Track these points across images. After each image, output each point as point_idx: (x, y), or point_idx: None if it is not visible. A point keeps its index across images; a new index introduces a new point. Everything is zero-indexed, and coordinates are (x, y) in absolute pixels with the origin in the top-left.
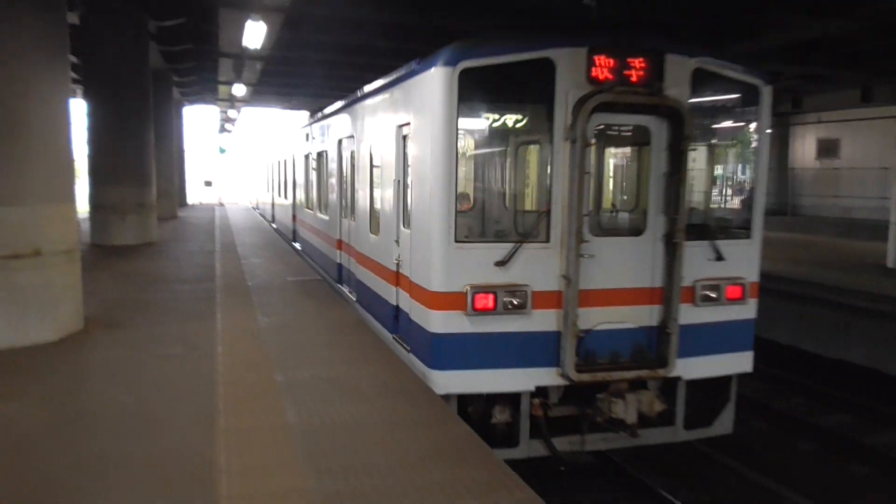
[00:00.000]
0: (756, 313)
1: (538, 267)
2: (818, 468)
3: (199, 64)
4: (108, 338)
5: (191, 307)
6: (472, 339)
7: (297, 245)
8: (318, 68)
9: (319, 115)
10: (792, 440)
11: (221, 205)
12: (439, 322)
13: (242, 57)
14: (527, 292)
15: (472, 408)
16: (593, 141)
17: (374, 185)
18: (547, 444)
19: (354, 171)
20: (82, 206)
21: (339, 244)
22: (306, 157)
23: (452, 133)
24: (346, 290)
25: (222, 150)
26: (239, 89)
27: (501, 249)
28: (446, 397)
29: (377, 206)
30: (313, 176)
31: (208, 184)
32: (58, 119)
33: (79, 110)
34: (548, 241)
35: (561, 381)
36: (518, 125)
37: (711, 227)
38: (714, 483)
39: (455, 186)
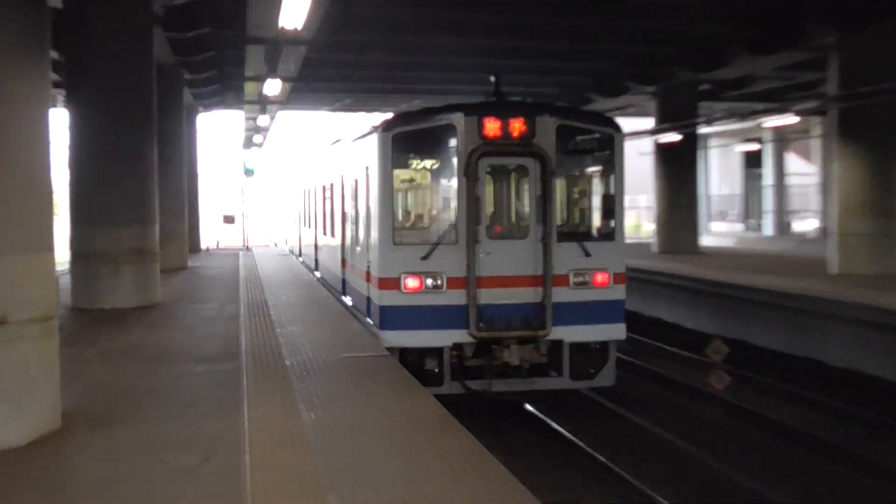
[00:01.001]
0: (624, 295)
1: (451, 260)
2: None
3: (220, 54)
4: (94, 441)
5: (207, 397)
6: (406, 309)
7: (349, 300)
8: (377, 54)
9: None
10: (666, 394)
11: (248, 249)
12: (385, 298)
13: (278, 42)
14: (443, 277)
15: (410, 358)
16: (485, 175)
17: (355, 211)
18: (462, 384)
19: (344, 201)
20: (61, 254)
21: (343, 262)
22: (355, 181)
23: (389, 174)
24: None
25: (249, 171)
26: (273, 86)
27: (425, 248)
28: (391, 349)
29: (358, 226)
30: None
31: (229, 220)
32: (34, 138)
33: (59, 123)
34: (456, 242)
35: (469, 339)
36: (435, 167)
37: (582, 233)
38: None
39: (392, 209)
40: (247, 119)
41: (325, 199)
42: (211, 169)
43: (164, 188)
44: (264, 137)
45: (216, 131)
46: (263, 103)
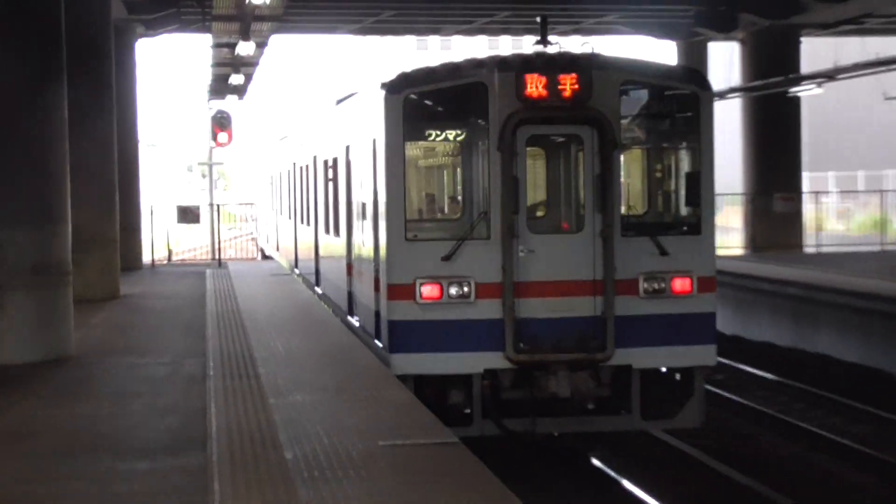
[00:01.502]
0: (715, 307)
1: (481, 261)
2: None
3: None
4: None
5: None
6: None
7: (356, 321)
8: None
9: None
10: None
11: (220, 264)
12: (395, 310)
13: None
14: (471, 283)
15: (429, 390)
16: (525, 149)
17: (360, 198)
18: (497, 424)
19: (350, 185)
20: None
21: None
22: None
23: (400, 148)
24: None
25: (219, 139)
26: None
27: (448, 245)
28: (403, 378)
29: (364, 218)
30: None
31: (189, 216)
32: None
33: None
34: (489, 238)
35: (505, 364)
36: (460, 139)
37: (656, 225)
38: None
39: (404, 195)
40: (217, 47)
41: (326, 182)
42: (159, 132)
43: (80, 163)
44: (248, 79)
45: (167, 69)
46: (245, 20)
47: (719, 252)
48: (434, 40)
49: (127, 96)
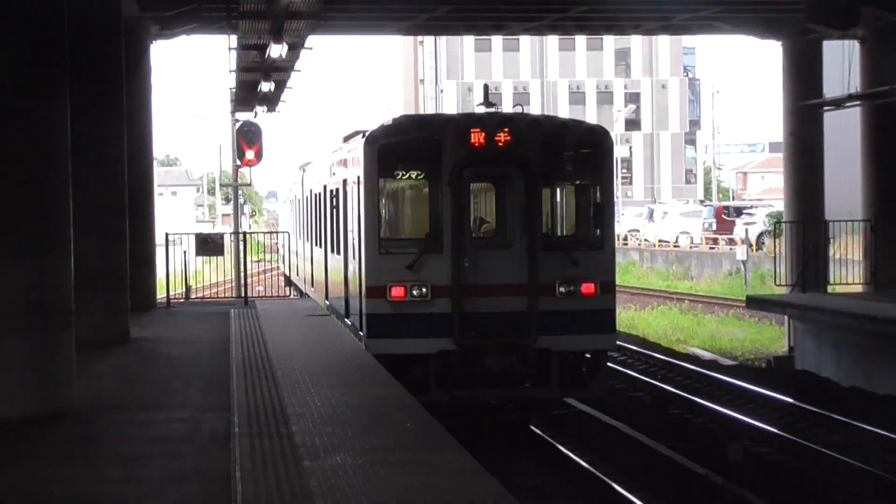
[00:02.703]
0: (614, 305)
1: (436, 269)
2: None
3: None
4: None
5: None
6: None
7: (350, 322)
8: None
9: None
10: None
11: (246, 301)
12: (370, 306)
13: None
14: (429, 286)
15: (396, 366)
16: (470, 185)
17: (347, 222)
18: (448, 393)
19: (345, 212)
20: None
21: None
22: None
23: (375, 184)
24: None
25: (246, 156)
26: None
27: (411, 257)
28: (378, 357)
29: (349, 237)
30: None
31: (211, 246)
32: None
33: None
34: (441, 252)
35: (453, 347)
36: (421, 178)
37: (569, 243)
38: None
39: (377, 219)
40: (244, 49)
41: (331, 209)
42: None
43: (85, 185)
44: (280, 87)
45: (185, 75)
46: (278, 18)
47: (836, 289)
48: (497, 40)
49: (140, 107)
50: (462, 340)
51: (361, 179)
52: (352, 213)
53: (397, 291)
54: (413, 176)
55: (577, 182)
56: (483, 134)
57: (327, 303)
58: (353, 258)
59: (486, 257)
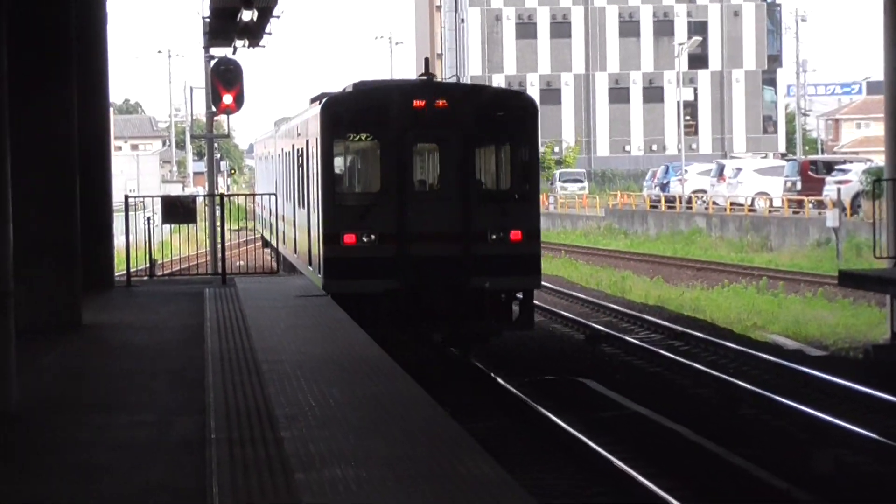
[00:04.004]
0: (539, 250)
1: (382, 218)
2: None
3: None
4: None
5: None
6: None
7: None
8: None
9: None
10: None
11: (221, 279)
12: (326, 251)
13: None
14: (377, 233)
15: (349, 303)
16: (416, 147)
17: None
18: (395, 327)
19: (305, 169)
20: None
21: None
22: None
23: (330, 144)
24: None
25: (223, 100)
26: None
27: (362, 209)
28: (334, 296)
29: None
30: None
31: (181, 210)
32: None
33: None
34: (388, 203)
35: (399, 287)
36: (370, 139)
37: (500, 196)
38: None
39: (332, 175)
40: None
41: (298, 167)
42: (136, 92)
43: (26, 140)
44: (265, 15)
45: (150, 3)
46: None
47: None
48: None
49: (92, 39)
50: (406, 281)
51: (319, 140)
52: (312, 171)
53: (349, 238)
54: (363, 137)
55: (507, 143)
56: (423, 101)
57: (296, 256)
58: (314, 211)
59: (427, 208)
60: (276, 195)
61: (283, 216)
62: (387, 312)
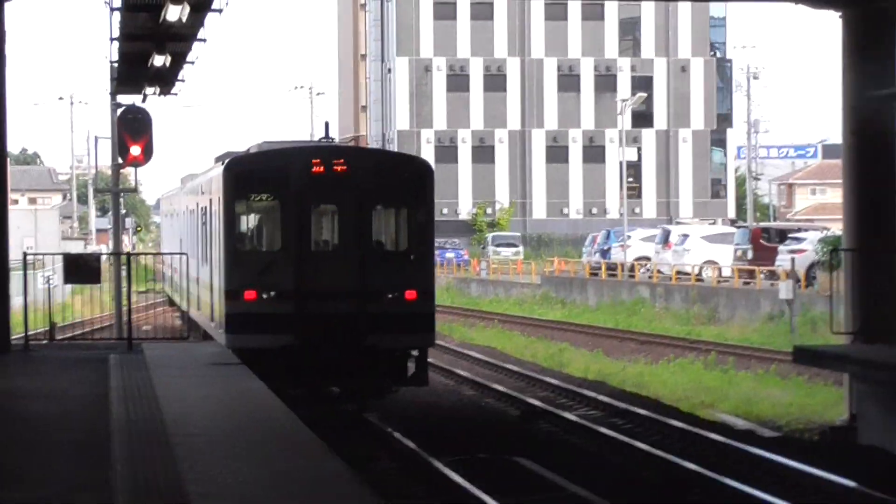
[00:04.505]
0: (433, 309)
1: (282, 275)
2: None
3: None
4: None
5: None
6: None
7: (201, 315)
8: None
9: None
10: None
11: (128, 345)
12: (228, 307)
13: None
14: (276, 290)
15: (249, 358)
16: (312, 206)
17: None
18: (291, 382)
19: (207, 227)
20: None
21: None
22: None
23: (231, 204)
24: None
25: (131, 152)
26: None
27: (262, 265)
28: (234, 350)
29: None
30: None
31: (80, 269)
32: None
33: None
34: (287, 261)
35: (296, 342)
36: (270, 199)
37: (396, 255)
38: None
39: (233, 233)
40: (128, 11)
41: (202, 224)
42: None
43: None
44: (180, 63)
45: (53, 47)
46: None
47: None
48: (463, 4)
49: None
50: (302, 337)
51: (221, 200)
52: (215, 228)
53: (249, 294)
54: (264, 197)
55: (403, 205)
56: (322, 164)
57: (198, 311)
58: (216, 268)
59: (325, 267)
60: (186, 254)
61: (187, 273)
62: (285, 367)
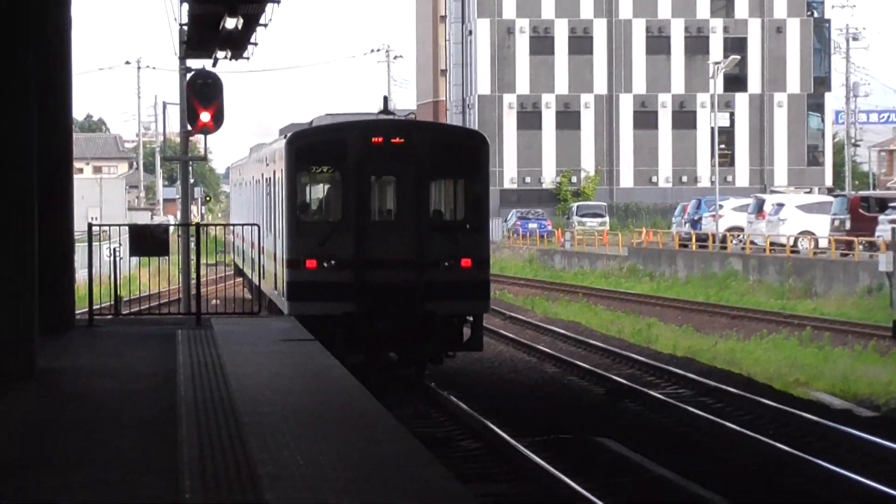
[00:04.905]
0: (488, 277)
1: (342, 245)
2: None
3: None
4: None
5: None
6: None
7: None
8: None
9: None
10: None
11: (196, 320)
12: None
13: None
14: (336, 259)
15: (310, 324)
16: (372, 178)
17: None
18: (351, 348)
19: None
20: None
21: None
22: None
23: (294, 177)
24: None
25: (201, 118)
26: None
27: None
28: (296, 317)
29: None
30: None
31: (147, 242)
32: None
33: None
34: (347, 232)
35: (356, 310)
36: (332, 171)
37: (452, 226)
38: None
39: (296, 205)
40: None
41: (266, 195)
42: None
43: None
44: (253, 25)
45: (119, 8)
46: None
47: None
48: None
49: (55, 48)
50: (362, 304)
51: (284, 172)
52: (278, 200)
53: (311, 263)
54: (325, 170)
55: (458, 176)
56: (381, 137)
57: (264, 281)
58: (279, 237)
59: (383, 237)
60: (257, 225)
61: (260, 245)
62: (345, 334)
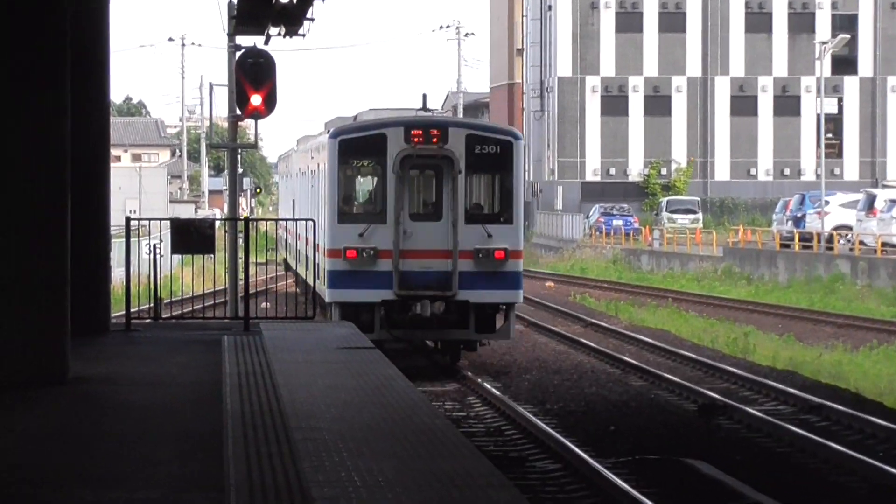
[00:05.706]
0: (520, 268)
1: (381, 235)
2: None
3: None
4: None
5: None
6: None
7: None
8: None
9: None
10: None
11: (244, 324)
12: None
13: None
14: (375, 249)
15: (349, 311)
16: (409, 171)
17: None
18: (389, 332)
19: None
20: None
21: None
22: None
23: (335, 170)
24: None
25: (252, 102)
26: None
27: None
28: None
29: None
30: None
31: (191, 238)
32: None
33: None
34: (386, 223)
35: (393, 297)
36: (371, 165)
37: (485, 218)
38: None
39: (337, 197)
40: None
41: (310, 186)
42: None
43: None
44: None
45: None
46: None
47: None
48: None
49: (91, 28)
50: (400, 292)
51: (327, 165)
52: (321, 192)
53: (351, 253)
54: (366, 164)
55: (492, 172)
56: (420, 132)
57: (302, 272)
58: (322, 228)
59: (420, 228)
60: (312, 220)
61: (308, 239)
62: (383, 319)
